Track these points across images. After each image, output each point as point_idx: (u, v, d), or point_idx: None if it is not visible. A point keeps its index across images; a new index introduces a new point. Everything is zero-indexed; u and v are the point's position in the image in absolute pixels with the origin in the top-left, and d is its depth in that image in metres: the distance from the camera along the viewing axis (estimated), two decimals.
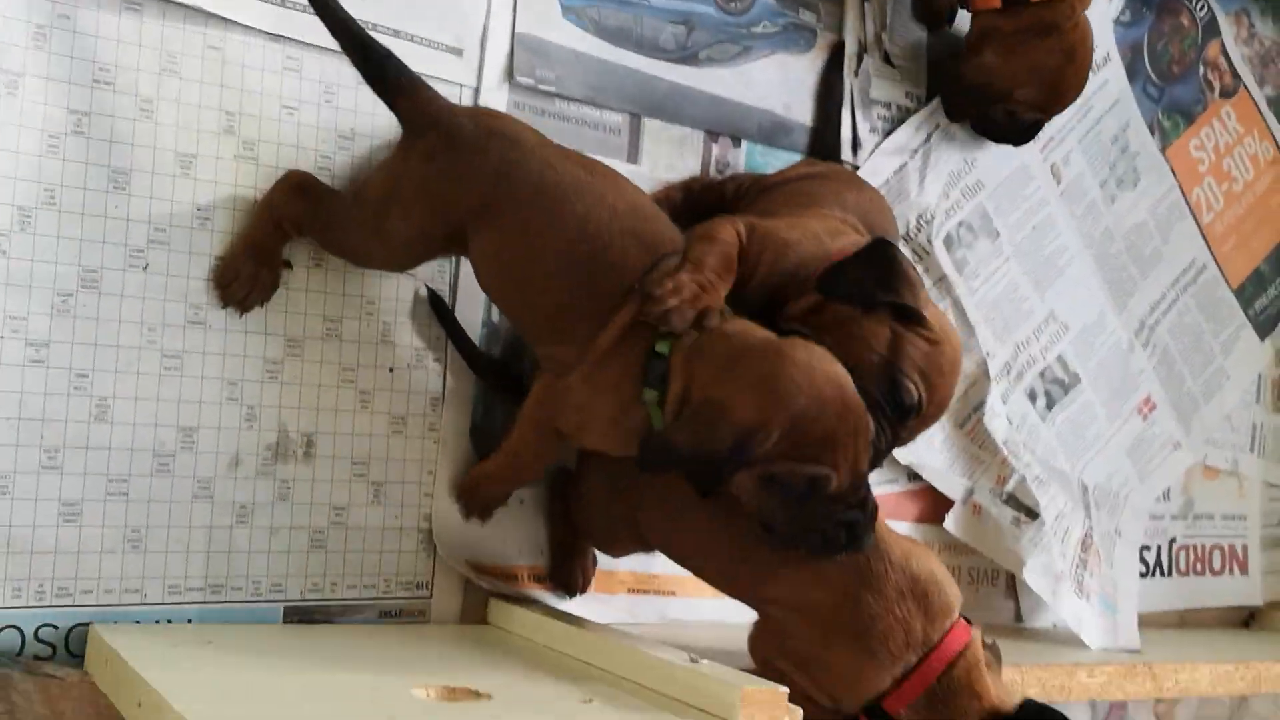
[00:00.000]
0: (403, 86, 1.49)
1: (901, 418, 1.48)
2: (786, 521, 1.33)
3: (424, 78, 1.63)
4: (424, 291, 1.68)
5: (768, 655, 1.49)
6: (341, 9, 1.49)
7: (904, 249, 2.08)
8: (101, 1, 1.48)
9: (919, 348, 1.48)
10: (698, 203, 1.88)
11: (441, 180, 1.45)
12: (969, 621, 1.47)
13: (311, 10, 1.49)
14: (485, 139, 1.45)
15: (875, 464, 1.47)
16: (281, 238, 1.56)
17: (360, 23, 1.60)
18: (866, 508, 1.34)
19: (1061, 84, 2.06)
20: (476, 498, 1.67)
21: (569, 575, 1.76)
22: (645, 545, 1.67)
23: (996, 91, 2.06)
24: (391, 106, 1.50)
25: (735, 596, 1.55)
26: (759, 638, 1.52)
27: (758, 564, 1.46)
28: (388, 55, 1.49)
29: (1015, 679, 1.75)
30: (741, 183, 1.88)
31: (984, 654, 1.44)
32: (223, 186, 1.55)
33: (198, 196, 1.54)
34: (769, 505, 1.32)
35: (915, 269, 1.56)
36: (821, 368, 1.32)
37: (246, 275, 1.55)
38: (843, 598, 1.41)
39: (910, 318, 1.48)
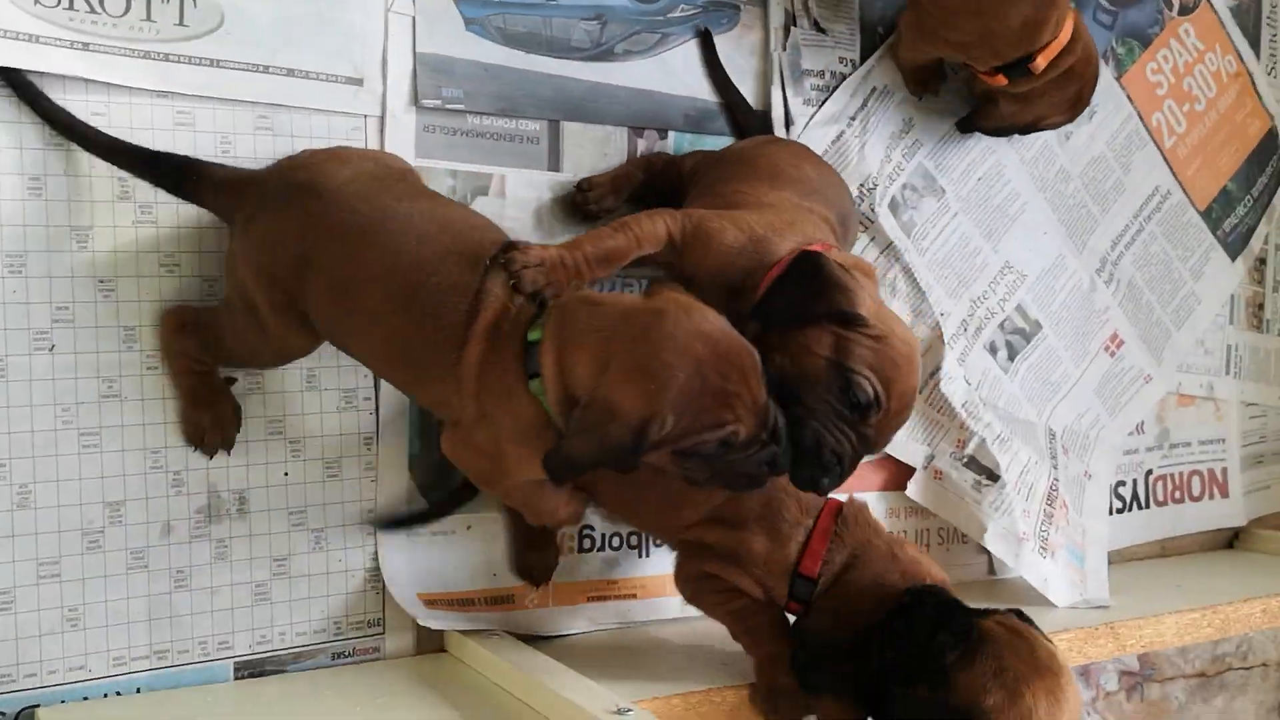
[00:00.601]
0: (192, 176, 1.46)
1: (862, 415, 1.46)
2: (710, 477, 1.35)
3: (324, 112, 1.61)
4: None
5: (694, 572, 1.60)
6: (98, 132, 1.48)
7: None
8: None
9: (865, 345, 1.45)
10: (659, 179, 1.85)
11: (261, 250, 1.41)
12: None
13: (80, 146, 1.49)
14: (287, 196, 1.41)
15: (847, 470, 1.47)
16: (205, 373, 1.55)
17: (253, 65, 1.58)
18: (779, 438, 1.34)
19: (1081, 98, 2.06)
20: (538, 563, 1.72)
21: (530, 566, 1.78)
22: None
23: (1023, 127, 2.09)
24: (198, 202, 1.48)
25: (662, 538, 1.73)
26: (682, 563, 1.63)
27: (667, 504, 1.59)
28: (159, 156, 1.47)
29: None
30: (699, 159, 1.84)
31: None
32: (123, 255, 1.53)
33: (98, 269, 1.52)
34: (690, 469, 1.34)
35: (849, 272, 1.51)
36: (690, 327, 1.29)
37: (210, 422, 1.56)
38: (734, 496, 1.53)
39: (849, 321, 1.46)
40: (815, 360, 1.44)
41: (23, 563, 1.48)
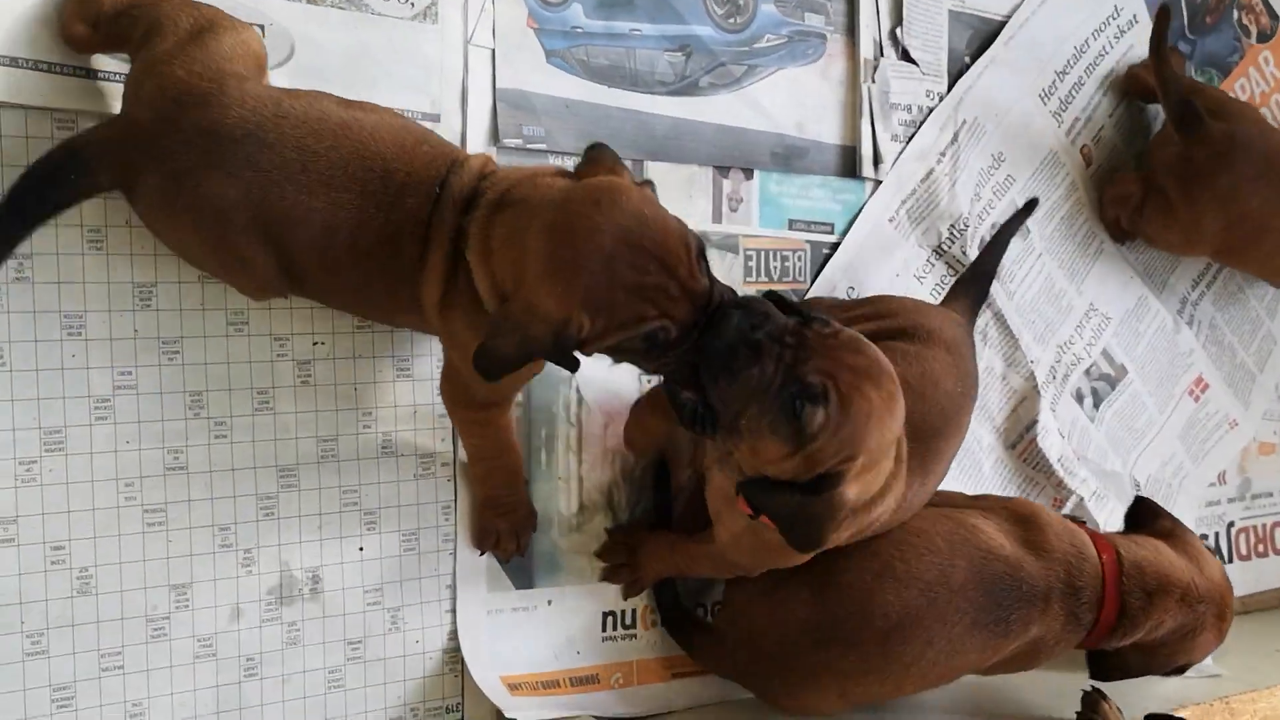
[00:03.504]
0: (69, 164, 1.21)
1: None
2: (672, 377, 1.23)
3: None
4: None
5: None
6: None
7: (940, 266, 1.93)
8: None
9: None
10: None
11: (203, 222, 1.23)
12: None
13: None
14: (208, 149, 1.20)
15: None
16: None
17: None
18: (724, 327, 1.18)
19: None
20: (491, 531, 1.56)
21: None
22: None
23: None
24: (92, 189, 1.23)
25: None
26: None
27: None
28: (25, 177, 1.20)
29: None
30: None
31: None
32: (189, 314, 1.39)
33: (162, 330, 1.38)
34: (643, 365, 1.23)
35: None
36: (602, 219, 1.15)
37: None
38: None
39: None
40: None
41: (83, 654, 1.34)
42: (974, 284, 1.90)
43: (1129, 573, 1.61)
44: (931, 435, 1.49)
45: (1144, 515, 1.85)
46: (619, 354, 1.21)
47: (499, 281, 1.20)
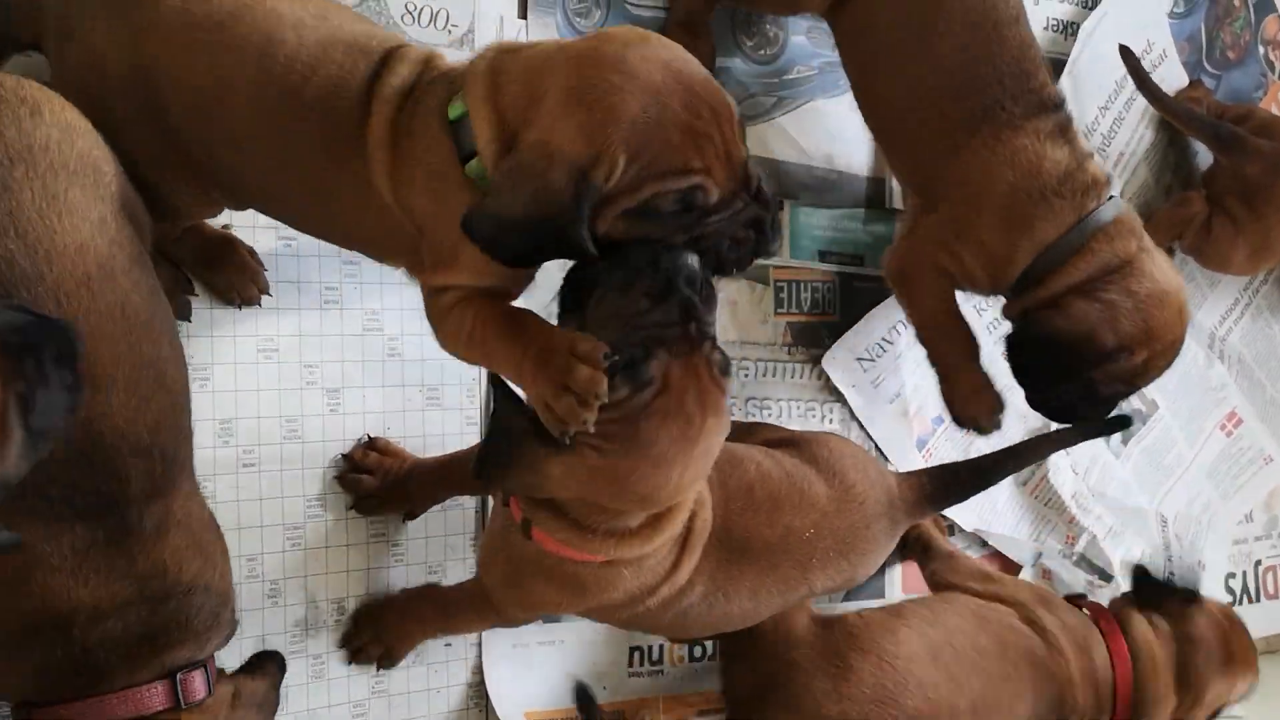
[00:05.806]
0: None
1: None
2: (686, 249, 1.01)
3: None
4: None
5: None
6: None
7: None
8: None
9: None
10: None
11: (82, 78, 1.08)
12: None
13: None
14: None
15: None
16: None
17: None
18: (766, 201, 1.03)
19: None
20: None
21: None
22: None
23: None
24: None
25: None
26: None
27: None
28: None
29: None
30: None
31: None
32: (220, 341, 1.38)
33: (193, 355, 1.36)
34: (648, 235, 1.00)
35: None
36: (643, 53, 0.98)
37: None
38: None
39: None
40: None
41: None
42: (958, 479, 1.56)
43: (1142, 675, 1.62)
44: (739, 550, 1.30)
45: (1149, 594, 1.75)
46: (641, 224, 0.99)
47: (507, 121, 0.99)
